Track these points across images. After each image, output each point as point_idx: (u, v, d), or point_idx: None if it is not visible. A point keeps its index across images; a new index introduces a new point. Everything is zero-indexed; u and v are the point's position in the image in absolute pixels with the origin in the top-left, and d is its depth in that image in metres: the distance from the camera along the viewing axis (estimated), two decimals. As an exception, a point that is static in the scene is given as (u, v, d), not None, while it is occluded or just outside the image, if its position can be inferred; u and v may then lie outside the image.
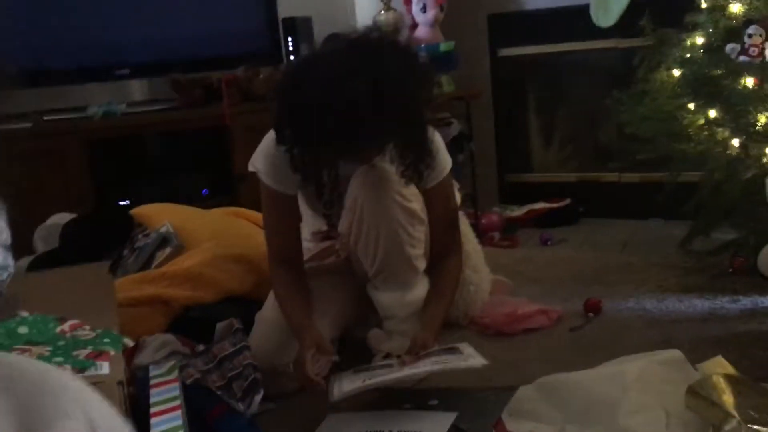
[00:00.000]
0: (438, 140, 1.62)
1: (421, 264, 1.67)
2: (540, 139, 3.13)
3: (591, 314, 1.91)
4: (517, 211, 2.94)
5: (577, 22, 2.66)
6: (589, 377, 1.42)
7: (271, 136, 1.55)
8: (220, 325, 1.67)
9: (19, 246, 2.06)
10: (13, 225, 1.96)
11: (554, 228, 2.75)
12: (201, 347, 1.56)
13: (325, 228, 1.76)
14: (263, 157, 1.60)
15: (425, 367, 1.42)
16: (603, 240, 2.63)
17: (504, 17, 3.03)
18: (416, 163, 1.51)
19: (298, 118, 1.41)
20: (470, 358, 1.45)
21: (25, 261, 2.06)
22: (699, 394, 1.22)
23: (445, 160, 1.63)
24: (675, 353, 1.41)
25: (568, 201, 2.92)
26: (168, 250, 1.97)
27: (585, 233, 2.74)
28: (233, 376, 1.46)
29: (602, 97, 2.30)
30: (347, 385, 1.42)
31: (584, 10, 2.61)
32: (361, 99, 1.32)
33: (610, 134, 2.62)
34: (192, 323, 1.76)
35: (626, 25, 2.43)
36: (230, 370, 1.47)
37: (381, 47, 1.41)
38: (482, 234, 2.65)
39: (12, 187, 2.42)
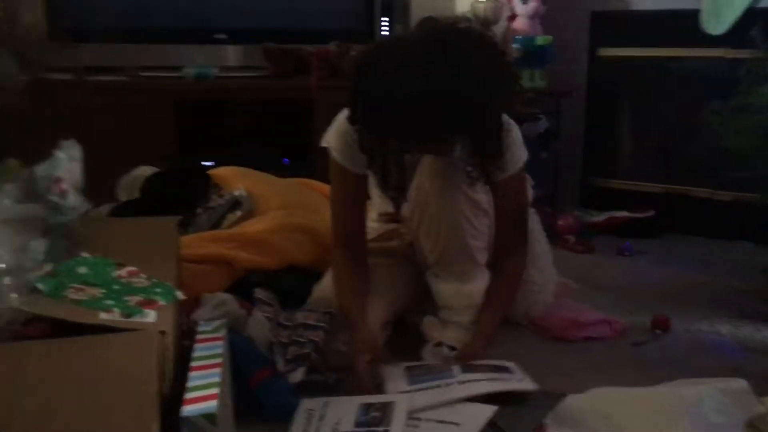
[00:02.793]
0: (515, 132, 1.57)
1: (482, 257, 1.63)
2: (630, 145, 3.01)
3: (658, 331, 1.82)
4: (597, 217, 2.83)
5: (685, 26, 2.53)
6: (643, 396, 1.35)
7: (345, 113, 1.55)
8: (316, 297, 1.70)
9: (103, 193, 2.16)
10: (99, 172, 2.04)
11: (634, 239, 2.64)
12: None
13: (391, 210, 1.75)
14: (336, 134, 1.60)
15: (481, 386, 1.38)
16: (684, 257, 2.51)
17: (608, 15, 2.92)
18: (484, 164, 1.47)
19: (365, 100, 1.40)
20: (522, 381, 1.42)
21: (106, 208, 2.14)
22: (759, 429, 1.14)
23: (519, 155, 1.59)
24: (740, 383, 1.33)
25: (652, 212, 2.80)
26: (239, 213, 2.01)
27: (666, 248, 2.62)
28: (296, 341, 1.48)
29: (701, 109, 2.18)
30: (398, 387, 1.40)
31: (693, 15, 2.48)
32: (416, 95, 1.29)
33: (705, 148, 2.49)
34: (252, 287, 1.79)
35: (737, 34, 2.30)
36: (298, 336, 1.49)
37: (459, 42, 1.36)
38: (557, 236, 2.58)
39: (99, 135, 2.54)
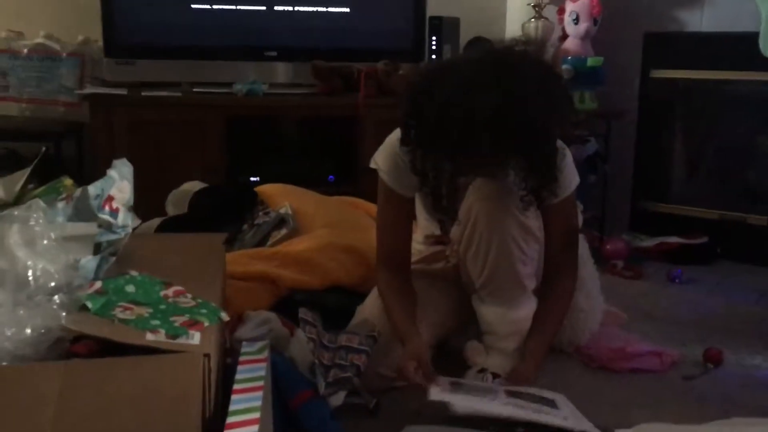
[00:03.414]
0: (567, 156, 1.55)
1: (531, 283, 1.61)
2: (682, 169, 2.94)
3: (710, 365, 1.76)
4: (647, 242, 2.77)
5: (741, 49, 2.46)
6: (694, 433, 1.31)
7: (396, 135, 1.54)
8: (360, 319, 1.69)
9: (153, 206, 2.20)
10: (150, 185, 2.07)
11: (686, 266, 2.56)
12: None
13: (438, 233, 1.74)
14: (386, 156, 1.60)
15: (525, 412, 1.35)
16: (738, 286, 2.43)
17: (662, 37, 2.86)
18: (538, 189, 1.45)
19: (422, 123, 1.38)
20: (567, 419, 1.38)
21: (155, 222, 2.18)
22: (818, 477, 1.09)
23: (570, 178, 1.56)
24: (797, 425, 1.28)
25: (705, 239, 2.72)
26: (284, 231, 2.02)
27: (719, 276, 2.54)
28: (338, 364, 1.48)
29: (757, 133, 2.11)
30: (444, 395, 1.38)
31: (750, 37, 2.41)
32: (477, 118, 1.28)
33: (762, 173, 2.41)
34: (296, 305, 1.79)
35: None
36: (340, 358, 1.48)
37: (519, 64, 1.34)
38: (605, 260, 2.53)
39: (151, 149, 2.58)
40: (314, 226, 2.03)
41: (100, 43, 2.74)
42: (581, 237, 1.77)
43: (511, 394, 1.43)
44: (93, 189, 1.22)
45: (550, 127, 1.36)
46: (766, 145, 2.04)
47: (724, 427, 1.32)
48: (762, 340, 1.94)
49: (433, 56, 2.86)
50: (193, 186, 2.32)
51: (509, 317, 1.60)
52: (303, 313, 1.56)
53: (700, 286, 2.44)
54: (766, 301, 2.29)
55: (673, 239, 2.74)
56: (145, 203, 1.78)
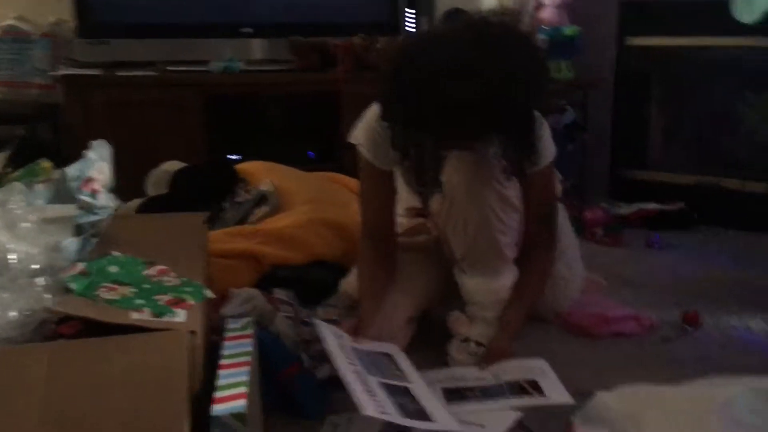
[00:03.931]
0: (545, 126, 1.55)
1: (511, 252, 1.63)
2: (659, 136, 2.97)
3: (688, 327, 1.80)
4: (626, 209, 2.80)
5: (716, 15, 2.48)
6: (674, 393, 1.34)
7: (374, 109, 1.54)
8: (342, 292, 1.71)
9: (132, 187, 2.19)
10: (129, 166, 2.06)
11: (664, 231, 2.60)
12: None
13: (419, 205, 1.75)
14: (365, 131, 1.60)
15: (508, 400, 1.37)
16: (715, 250, 2.47)
17: (637, 4, 2.87)
18: (518, 159, 1.46)
19: (405, 99, 1.36)
20: (554, 392, 1.40)
21: (135, 203, 2.17)
22: (792, 431, 1.12)
23: (548, 149, 1.57)
24: (773, 382, 1.31)
25: (682, 205, 2.76)
26: (265, 208, 2.03)
27: (697, 241, 2.59)
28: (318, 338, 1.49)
29: (733, 99, 2.14)
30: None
31: (724, 3, 2.44)
32: (464, 97, 1.28)
33: (737, 138, 2.44)
34: (279, 282, 1.80)
35: (771, 22, 2.25)
36: (322, 334, 1.50)
37: (500, 40, 1.33)
38: (584, 229, 2.56)
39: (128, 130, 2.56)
40: (296, 203, 2.04)
41: (73, 23, 2.70)
42: (561, 206, 1.79)
43: (498, 376, 1.45)
44: (72, 171, 1.22)
45: (531, 98, 1.37)
46: (742, 110, 2.06)
47: (701, 386, 1.35)
48: (738, 301, 1.98)
49: (409, 28, 2.84)
50: (173, 166, 2.31)
51: (491, 287, 1.62)
52: (277, 293, 1.57)
53: (678, 250, 2.48)
54: (741, 263, 2.34)
55: (651, 206, 2.78)
56: (124, 184, 1.77)
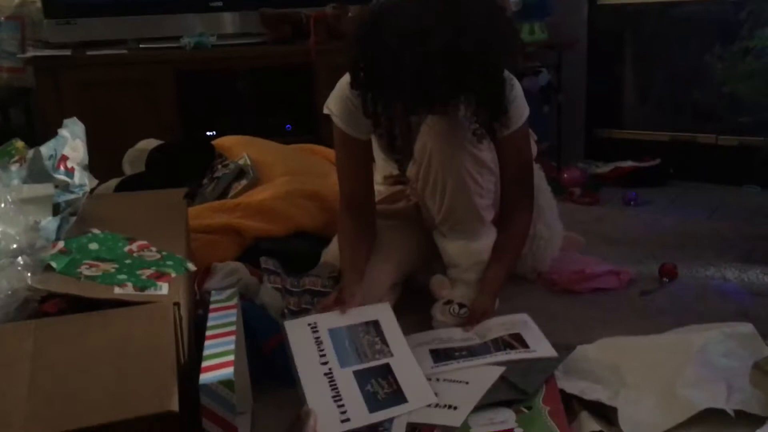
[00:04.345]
0: (516, 88, 1.56)
1: (489, 214, 1.64)
2: (634, 95, 2.99)
3: (665, 279, 1.84)
4: (603, 168, 2.84)
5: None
6: (652, 343, 1.38)
7: (346, 79, 1.53)
8: (323, 262, 1.72)
9: (109, 167, 2.18)
10: (105, 146, 2.04)
11: (640, 188, 2.64)
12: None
13: (396, 173, 1.76)
14: (338, 100, 1.59)
15: (494, 357, 1.39)
16: (691, 204, 2.52)
17: (607, -37, 2.88)
18: (490, 121, 1.47)
19: (373, 66, 1.37)
20: (538, 345, 1.42)
21: (113, 182, 2.16)
22: (766, 371, 1.16)
23: (520, 110, 1.58)
24: (747, 327, 1.35)
25: (657, 161, 2.80)
26: (244, 182, 2.02)
27: (672, 196, 2.63)
28: (305, 309, 1.51)
29: (704, 54, 2.15)
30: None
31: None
32: (433, 56, 1.28)
33: (709, 93, 2.47)
34: (262, 254, 1.81)
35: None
36: (306, 303, 1.51)
37: (465, 1, 1.34)
38: (563, 189, 2.59)
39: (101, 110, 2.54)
40: (274, 175, 2.04)
41: (39, 4, 2.65)
42: (537, 167, 1.80)
43: (483, 335, 1.47)
44: (45, 150, 1.21)
45: (498, 60, 1.38)
46: (712, 65, 2.08)
47: (678, 335, 1.38)
48: (714, 252, 2.02)
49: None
50: (149, 144, 2.30)
51: (470, 249, 1.64)
52: (264, 262, 1.58)
53: (655, 206, 2.52)
54: (716, 215, 2.38)
55: (628, 163, 2.82)
56: (101, 164, 1.76)
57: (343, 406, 1.22)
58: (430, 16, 1.31)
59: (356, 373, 1.28)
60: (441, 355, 1.42)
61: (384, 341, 1.36)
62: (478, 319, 1.53)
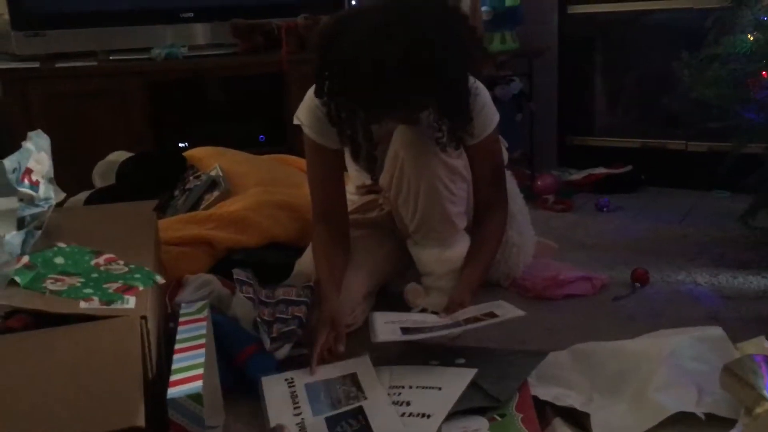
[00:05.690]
0: (483, 95, 1.57)
1: (461, 222, 1.65)
2: (605, 102, 3.02)
3: (638, 285, 1.85)
4: (576, 175, 2.86)
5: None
6: (623, 348, 1.38)
7: (313, 88, 1.54)
8: (297, 272, 1.70)
9: (79, 180, 2.15)
10: (74, 159, 2.02)
11: (612, 194, 2.66)
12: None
13: (369, 182, 1.76)
14: (307, 110, 1.59)
15: (464, 324, 1.40)
16: (662, 210, 2.54)
17: (576, -28, 2.91)
18: (452, 130, 1.47)
19: (331, 74, 1.40)
20: (508, 313, 1.43)
21: (83, 195, 2.13)
22: (735, 374, 1.16)
23: (489, 118, 1.59)
24: (716, 330, 1.36)
25: (629, 167, 2.82)
26: (216, 193, 2.01)
27: (644, 202, 2.65)
28: (280, 318, 1.49)
29: (672, 60, 2.18)
30: (386, 334, 1.41)
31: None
32: (387, 62, 1.29)
33: (678, 100, 2.50)
34: (234, 266, 1.80)
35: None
36: (281, 312, 1.49)
37: (422, 9, 1.36)
38: (536, 196, 2.60)
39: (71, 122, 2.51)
40: (247, 186, 2.02)
41: (6, 15, 2.62)
42: (509, 174, 1.81)
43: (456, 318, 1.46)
44: (9, 163, 1.19)
45: (457, 67, 1.38)
46: (680, 72, 2.10)
47: (649, 340, 1.39)
48: (685, 256, 2.04)
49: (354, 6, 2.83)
50: (119, 156, 2.27)
51: (444, 256, 1.64)
52: (237, 273, 1.56)
53: (627, 212, 2.54)
54: (687, 220, 2.40)
55: (600, 170, 2.84)
56: (70, 177, 1.74)
57: None
58: (387, 25, 1.33)
59: (327, 419, 1.24)
60: (411, 331, 1.42)
61: (360, 389, 1.33)
62: (455, 309, 1.52)
